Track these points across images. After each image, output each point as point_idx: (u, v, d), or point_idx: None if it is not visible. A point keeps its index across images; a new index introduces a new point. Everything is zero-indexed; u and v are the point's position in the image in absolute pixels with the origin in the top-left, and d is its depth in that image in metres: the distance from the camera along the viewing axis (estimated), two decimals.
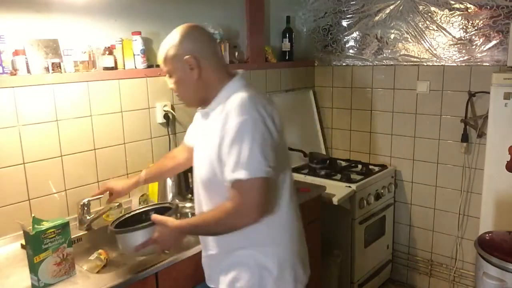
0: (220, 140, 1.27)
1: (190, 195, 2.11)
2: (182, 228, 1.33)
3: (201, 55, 1.34)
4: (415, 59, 2.77)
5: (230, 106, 1.27)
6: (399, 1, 2.75)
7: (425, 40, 2.70)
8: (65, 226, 1.41)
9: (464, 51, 2.57)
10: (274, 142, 1.27)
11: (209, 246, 1.44)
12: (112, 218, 1.71)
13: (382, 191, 2.77)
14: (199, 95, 1.39)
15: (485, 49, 2.49)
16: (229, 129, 1.24)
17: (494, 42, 2.45)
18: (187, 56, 1.32)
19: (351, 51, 3.04)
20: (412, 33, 2.74)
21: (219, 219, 1.27)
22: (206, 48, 1.36)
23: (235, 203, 1.23)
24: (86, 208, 1.85)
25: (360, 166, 2.93)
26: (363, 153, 3.12)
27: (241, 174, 1.21)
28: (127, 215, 1.56)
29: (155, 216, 1.36)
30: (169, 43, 1.36)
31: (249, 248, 1.36)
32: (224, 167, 1.26)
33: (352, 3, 2.97)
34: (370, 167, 2.89)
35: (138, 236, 1.35)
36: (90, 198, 1.82)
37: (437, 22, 2.63)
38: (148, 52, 2.14)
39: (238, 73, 1.41)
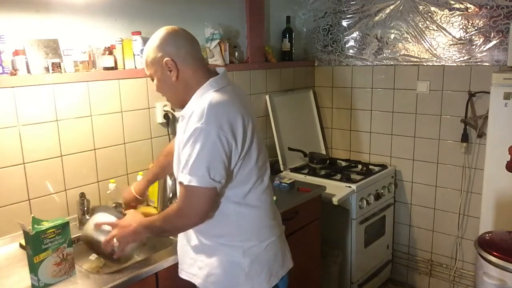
0: (182, 142, 1.31)
1: None
2: (143, 223, 1.41)
3: (178, 58, 1.35)
4: (415, 59, 2.77)
5: (195, 111, 1.29)
6: (399, 1, 2.75)
7: (425, 40, 2.70)
8: (65, 226, 1.41)
9: (464, 51, 2.57)
10: (228, 155, 1.28)
11: (184, 238, 1.47)
12: None
13: (382, 191, 2.77)
14: (179, 96, 1.41)
15: (485, 49, 2.49)
16: (187, 132, 1.28)
17: (494, 42, 2.45)
18: (165, 59, 1.35)
19: (351, 51, 3.04)
20: (412, 33, 2.74)
21: (166, 216, 1.36)
22: (185, 50, 1.37)
23: (179, 204, 1.32)
24: (86, 208, 1.86)
25: (360, 166, 2.93)
26: (363, 153, 3.13)
27: (185, 179, 1.27)
28: None
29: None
30: (149, 47, 1.39)
31: (221, 245, 1.39)
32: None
33: (352, 3, 2.97)
34: (370, 167, 2.89)
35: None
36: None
37: (437, 22, 2.63)
38: None
39: (218, 72, 1.42)
